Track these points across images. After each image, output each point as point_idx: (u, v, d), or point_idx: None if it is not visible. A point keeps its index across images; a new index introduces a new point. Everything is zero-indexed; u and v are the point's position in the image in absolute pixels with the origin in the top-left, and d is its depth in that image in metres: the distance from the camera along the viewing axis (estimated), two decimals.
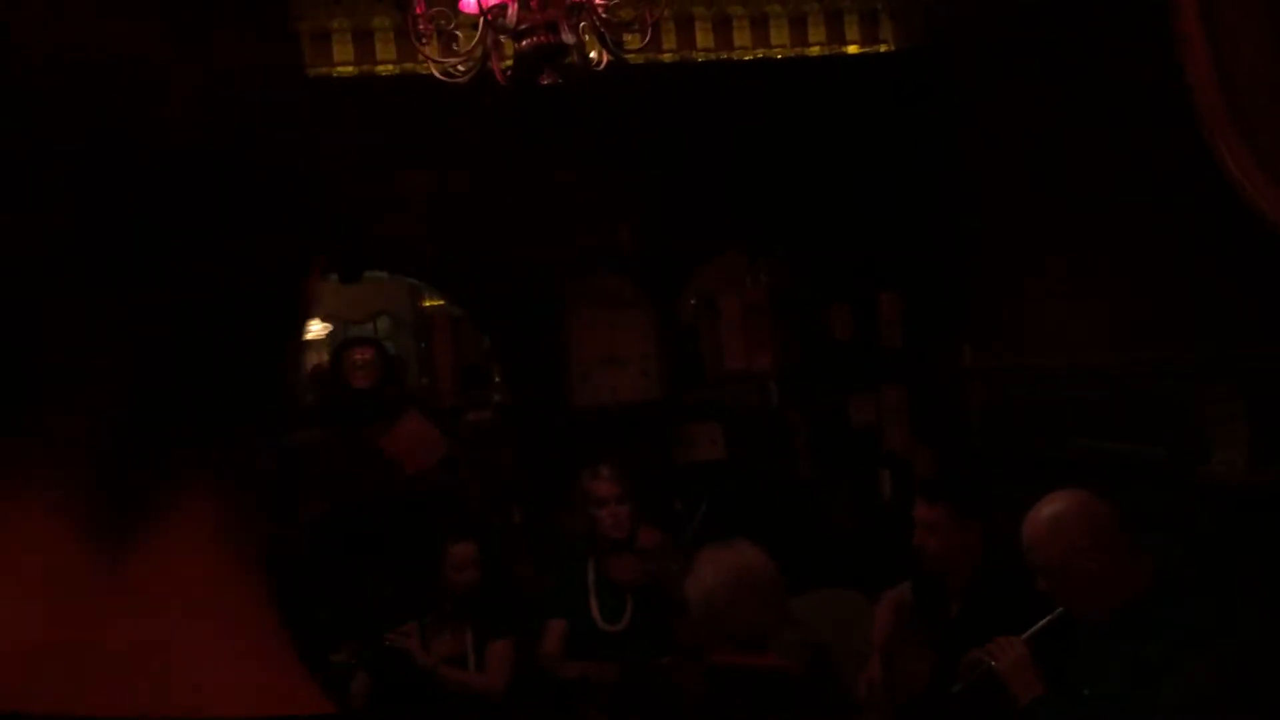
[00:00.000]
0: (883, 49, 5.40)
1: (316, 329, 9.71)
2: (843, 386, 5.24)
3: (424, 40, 3.09)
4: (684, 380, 5.22)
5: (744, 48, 5.31)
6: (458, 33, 3.19)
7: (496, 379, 5.51)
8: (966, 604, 3.32)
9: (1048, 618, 2.86)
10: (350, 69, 4.97)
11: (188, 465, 0.52)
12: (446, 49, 3.19)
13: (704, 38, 5.26)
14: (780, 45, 5.32)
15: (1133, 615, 2.68)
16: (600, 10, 3.04)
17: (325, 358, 8.44)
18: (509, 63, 3.29)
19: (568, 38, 2.90)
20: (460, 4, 3.14)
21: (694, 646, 3.01)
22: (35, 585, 0.48)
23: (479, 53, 3.26)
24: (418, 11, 3.06)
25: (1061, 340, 4.40)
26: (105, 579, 0.49)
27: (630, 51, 3.32)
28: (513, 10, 2.93)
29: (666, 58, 5.23)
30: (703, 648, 2.81)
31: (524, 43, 2.96)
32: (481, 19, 2.94)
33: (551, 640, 3.98)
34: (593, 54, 3.27)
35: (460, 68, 3.32)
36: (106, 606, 0.48)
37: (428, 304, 9.45)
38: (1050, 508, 2.81)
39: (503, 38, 3.15)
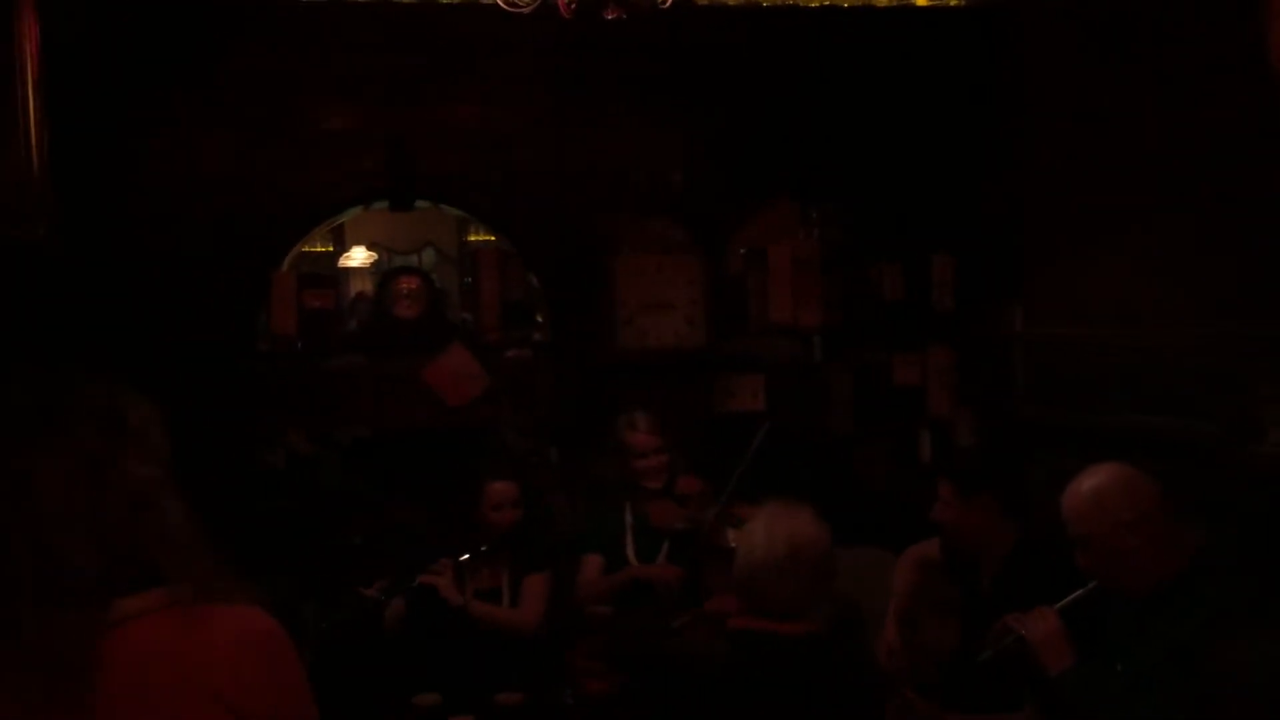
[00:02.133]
0: (953, 2, 5.28)
1: (362, 256, 9.76)
2: (888, 346, 5.19)
3: None
4: (728, 330, 5.18)
5: None
6: None
7: (539, 319, 5.50)
8: (1000, 577, 3.28)
9: (1082, 590, 2.83)
10: None
11: None
12: None
13: None
14: None
15: (1171, 593, 2.65)
16: None
17: (370, 286, 8.52)
18: None
19: None
20: None
21: (719, 606, 3.00)
22: None
23: None
24: None
25: (1115, 311, 4.33)
26: None
27: None
28: None
29: (730, 1, 5.15)
30: (732, 608, 2.78)
31: None
32: None
33: (589, 571, 4.00)
34: None
35: None
36: None
37: (473, 238, 9.48)
38: (1092, 480, 2.76)
39: None
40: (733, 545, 3.09)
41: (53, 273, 3.77)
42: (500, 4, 3.33)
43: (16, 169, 3.60)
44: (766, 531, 2.68)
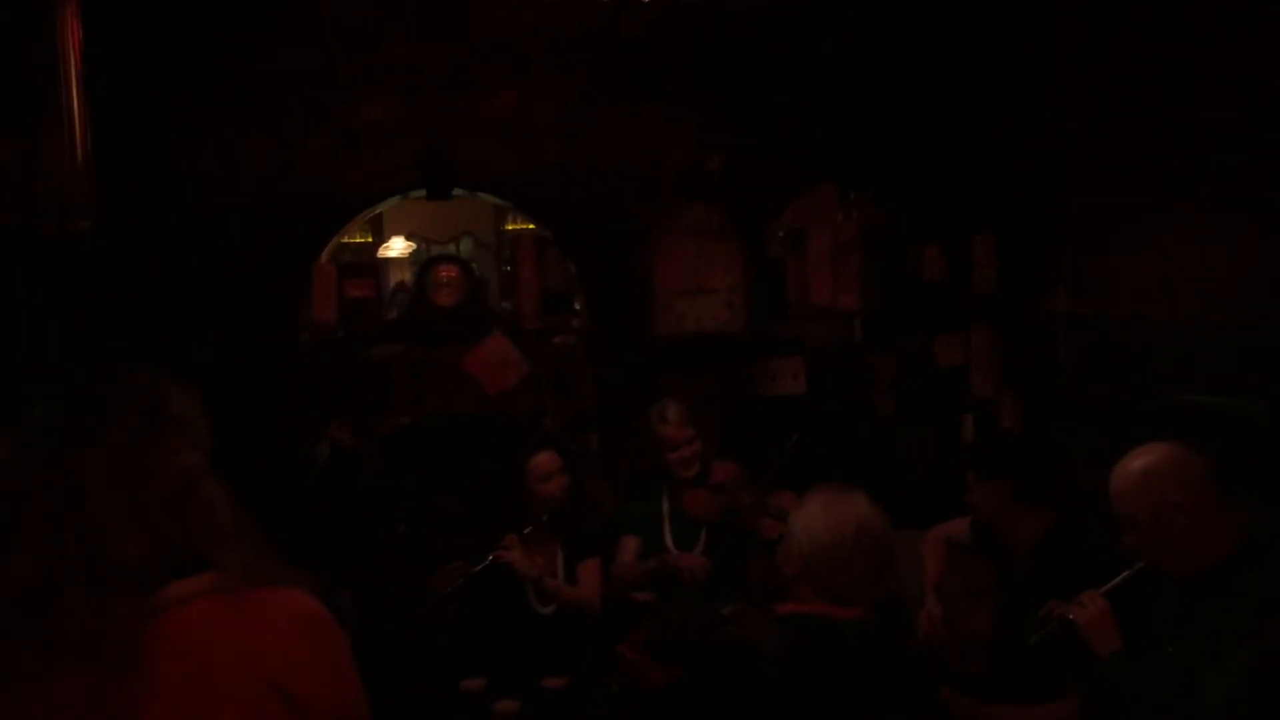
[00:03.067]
0: None
1: (401, 247, 9.81)
2: (930, 327, 5.15)
3: None
4: (768, 314, 5.16)
5: None
6: None
7: (577, 306, 5.50)
8: (1036, 560, 3.25)
9: (1129, 571, 2.80)
10: None
11: None
12: None
13: None
14: None
15: (1220, 575, 2.61)
16: None
17: (409, 276, 8.57)
18: None
19: None
20: None
21: (768, 592, 2.96)
22: None
23: None
24: None
25: (1163, 289, 4.26)
26: None
27: None
28: None
29: None
30: (783, 593, 2.74)
31: None
32: None
33: (626, 553, 4.01)
34: None
35: None
36: None
37: (511, 227, 9.49)
38: (1142, 459, 2.72)
39: None
40: (778, 534, 3.05)
41: (96, 267, 3.81)
42: None
43: (60, 165, 3.64)
44: (827, 515, 2.62)
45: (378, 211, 5.94)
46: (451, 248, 9.77)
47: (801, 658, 2.52)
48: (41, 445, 1.38)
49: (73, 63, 3.69)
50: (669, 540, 4.01)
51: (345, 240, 6.96)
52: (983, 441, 4.57)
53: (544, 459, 3.82)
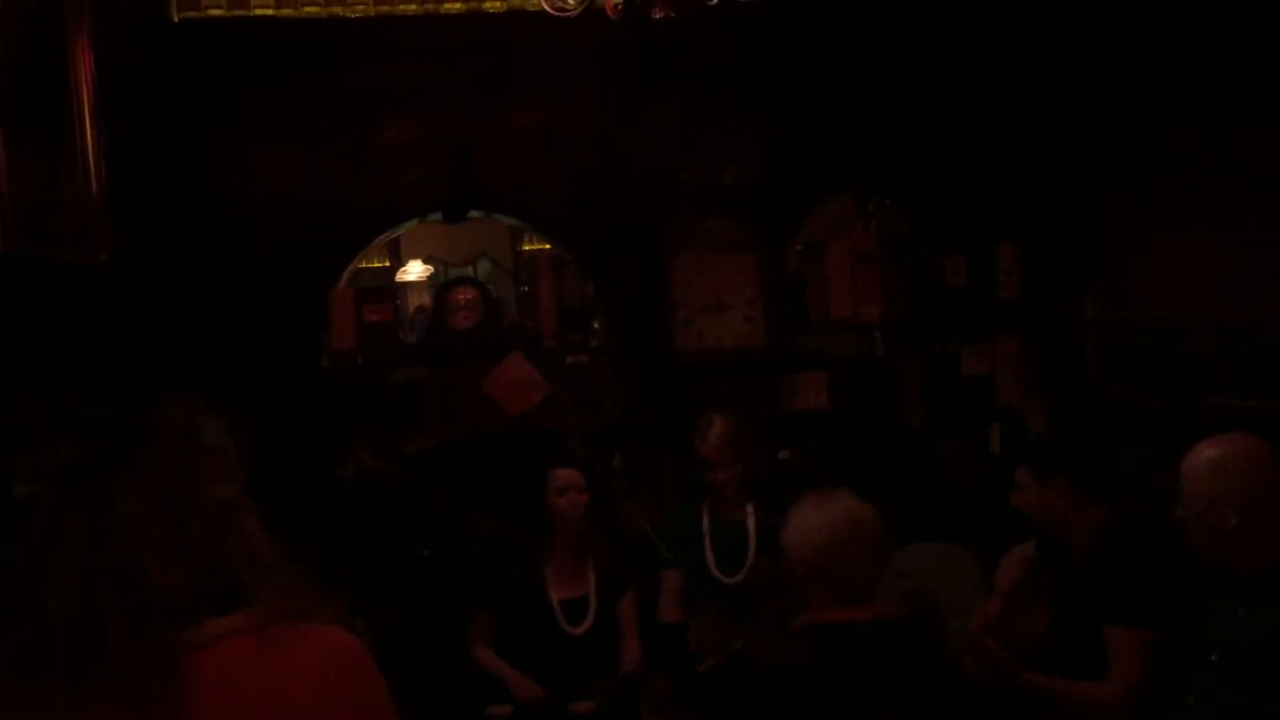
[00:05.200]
0: None
1: (418, 270, 9.82)
2: (954, 337, 5.10)
3: None
4: (788, 328, 5.12)
5: None
6: None
7: (595, 325, 5.48)
8: (1089, 560, 3.20)
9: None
10: (458, 6, 4.92)
11: None
12: None
13: None
14: None
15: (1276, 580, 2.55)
16: None
17: (428, 299, 8.57)
18: None
19: None
20: None
21: (781, 610, 2.92)
22: None
23: None
24: None
25: (1188, 293, 4.21)
26: None
27: None
28: None
29: None
30: (797, 603, 2.71)
31: None
32: None
33: (667, 592, 3.95)
34: None
35: (571, 1, 3.26)
36: None
37: (527, 247, 9.50)
38: (1214, 449, 2.64)
39: None
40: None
41: (114, 296, 3.81)
42: (547, 8, 3.30)
43: (77, 195, 3.64)
44: (818, 514, 2.62)
45: (395, 235, 5.94)
46: (469, 270, 9.79)
47: (830, 669, 2.48)
48: (76, 476, 1.36)
49: (86, 94, 3.70)
50: (711, 560, 3.94)
51: (363, 265, 6.96)
52: (1036, 441, 4.49)
53: (564, 474, 3.81)
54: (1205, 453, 2.65)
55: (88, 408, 1.43)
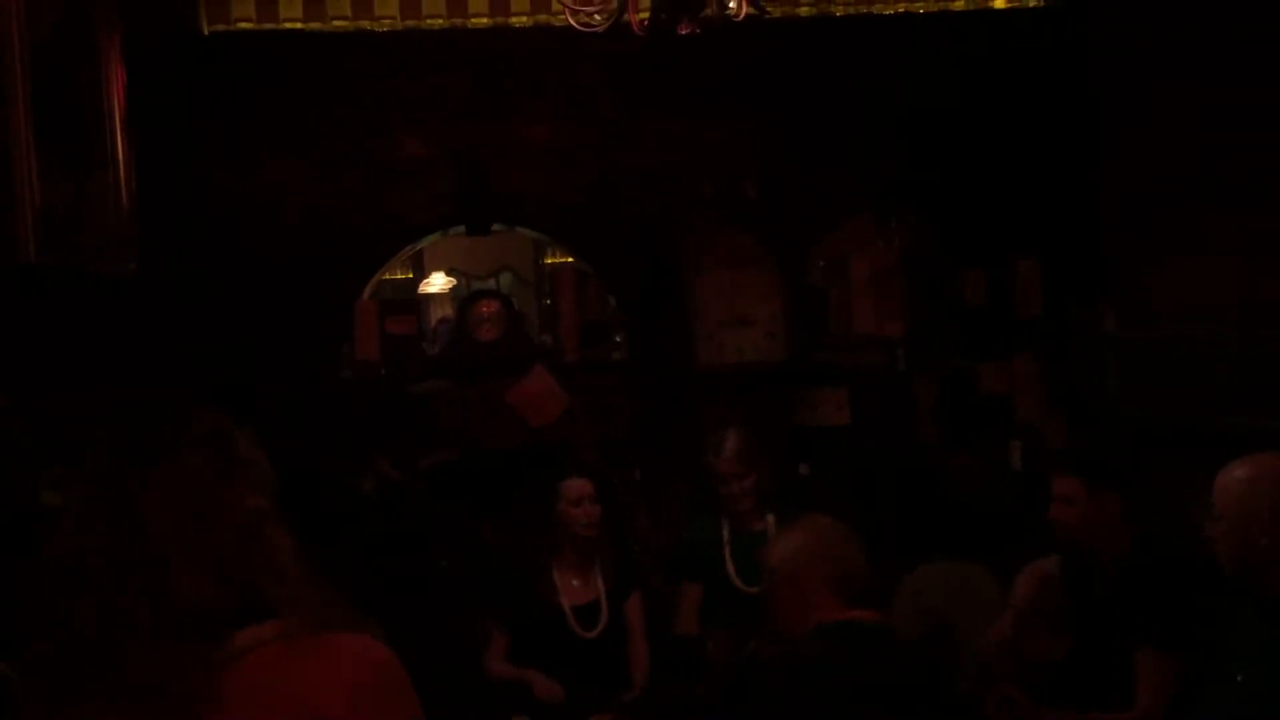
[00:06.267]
0: (1031, 4, 5.18)
1: (441, 283, 9.86)
2: (974, 353, 5.09)
3: None
4: (809, 342, 5.13)
5: (885, 1, 5.15)
6: None
7: (617, 339, 5.49)
8: (1117, 585, 3.15)
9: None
10: (484, 20, 4.97)
11: None
12: None
13: None
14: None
15: None
16: None
17: (450, 311, 8.60)
18: (645, 13, 3.25)
19: None
20: None
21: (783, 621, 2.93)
22: None
23: (616, 2, 3.22)
24: None
25: (1207, 310, 4.19)
26: None
27: (769, 2, 3.24)
28: None
29: (804, 11, 5.10)
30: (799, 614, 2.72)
31: None
32: None
33: (687, 603, 3.97)
34: (731, 4, 3.21)
35: (598, 17, 3.28)
36: None
37: (550, 260, 9.52)
38: (1246, 468, 2.64)
39: None
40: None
41: (142, 306, 3.85)
42: (573, 25, 3.33)
43: (106, 208, 3.69)
44: (805, 529, 2.75)
45: (419, 248, 5.98)
46: (491, 282, 9.81)
47: (839, 665, 2.48)
48: (107, 484, 1.35)
49: (116, 106, 3.75)
50: (731, 571, 3.94)
51: (386, 277, 7.00)
52: (1090, 451, 4.39)
53: (576, 484, 3.82)
54: (1236, 472, 2.65)
55: (120, 416, 1.43)
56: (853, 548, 2.65)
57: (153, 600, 1.29)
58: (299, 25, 4.89)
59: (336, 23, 4.93)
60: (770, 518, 4.00)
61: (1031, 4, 5.19)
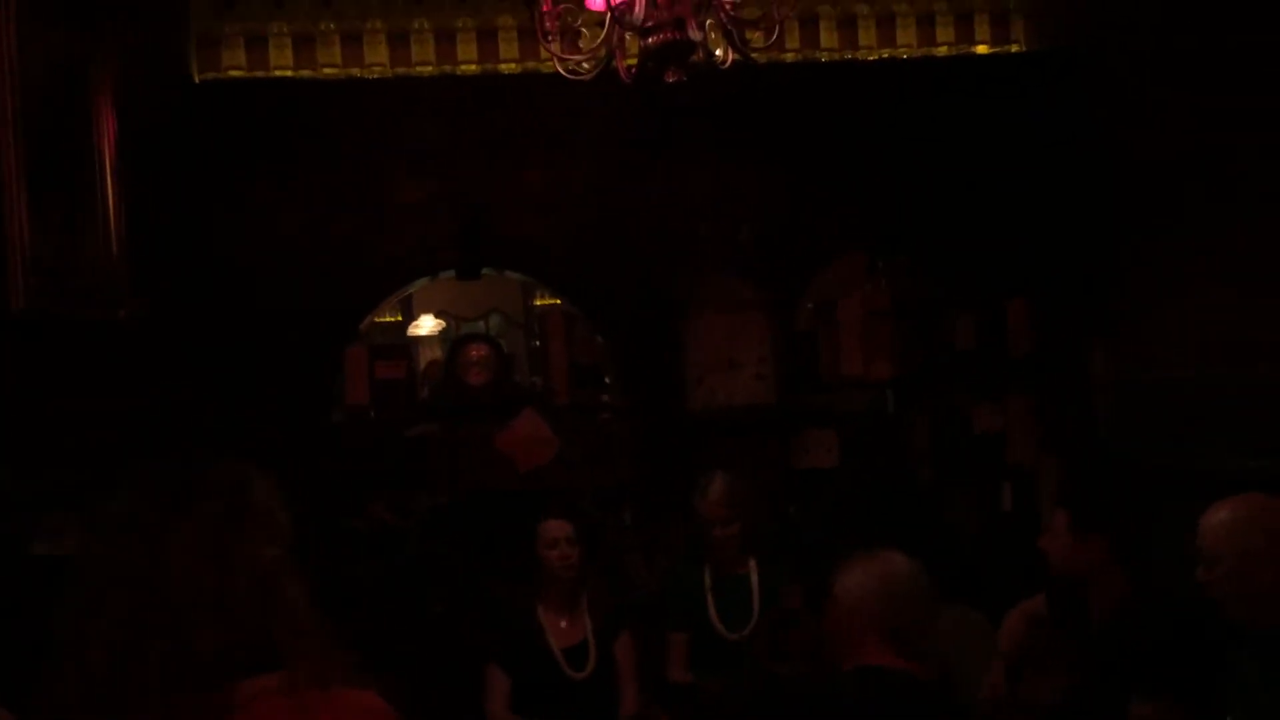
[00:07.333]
0: (1014, 49, 5.25)
1: (430, 325, 9.87)
2: (965, 395, 5.11)
3: (550, 38, 3.08)
4: (800, 385, 5.14)
5: (869, 47, 5.21)
6: (583, 30, 3.19)
7: (606, 380, 5.50)
8: (1111, 628, 3.15)
9: None
10: (474, 67, 5.01)
11: None
12: (572, 46, 3.18)
13: (828, 37, 5.18)
14: (906, 45, 5.21)
15: None
16: (727, 7, 3.00)
17: (439, 354, 8.60)
18: (633, 60, 3.28)
19: (694, 35, 2.85)
20: (587, 1, 3.13)
21: (817, 651, 2.92)
22: None
23: (604, 50, 3.25)
24: (545, 9, 3.05)
25: (1200, 351, 4.22)
26: None
27: (755, 50, 3.27)
28: (640, 7, 2.90)
29: (790, 57, 5.16)
30: (839, 648, 2.70)
31: (650, 39, 2.92)
32: (608, 15, 2.92)
33: (674, 653, 3.95)
34: (718, 52, 3.24)
35: (585, 65, 3.31)
36: None
37: (539, 302, 9.53)
38: (1230, 508, 2.67)
39: (628, 35, 3.14)
40: (799, 604, 3.04)
41: (132, 353, 3.85)
42: (561, 71, 3.36)
43: (97, 253, 3.69)
44: (878, 566, 2.66)
45: (409, 292, 5.99)
46: (480, 325, 9.82)
47: (875, 711, 2.47)
48: (128, 530, 1.36)
49: (108, 153, 3.77)
50: (714, 616, 3.93)
51: (375, 319, 7.01)
52: (1083, 489, 4.40)
53: (553, 525, 3.83)
54: (1222, 514, 2.67)
55: (142, 464, 1.44)
56: (917, 596, 2.62)
57: (166, 646, 1.30)
58: (289, 73, 4.93)
59: (327, 70, 4.97)
60: (752, 561, 4.00)
61: (1013, 49, 5.26)
